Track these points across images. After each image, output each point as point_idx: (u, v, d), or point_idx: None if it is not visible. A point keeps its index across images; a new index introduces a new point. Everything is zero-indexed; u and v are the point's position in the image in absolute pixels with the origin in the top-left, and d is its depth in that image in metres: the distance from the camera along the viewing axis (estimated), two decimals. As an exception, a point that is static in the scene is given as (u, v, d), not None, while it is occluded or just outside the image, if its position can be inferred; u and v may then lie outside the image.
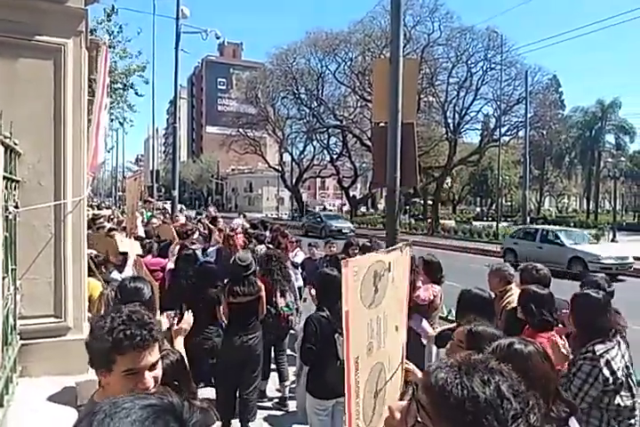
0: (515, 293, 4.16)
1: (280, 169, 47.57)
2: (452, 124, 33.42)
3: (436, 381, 0.89)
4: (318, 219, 31.11)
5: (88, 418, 0.81)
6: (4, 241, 2.23)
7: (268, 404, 5.01)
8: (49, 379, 2.64)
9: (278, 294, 5.00)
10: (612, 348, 2.71)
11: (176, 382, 2.01)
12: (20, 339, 2.59)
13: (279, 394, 5.08)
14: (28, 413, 2.28)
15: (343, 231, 27.56)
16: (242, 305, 4.35)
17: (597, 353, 2.66)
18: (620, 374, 2.66)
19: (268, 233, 8.18)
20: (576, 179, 55.48)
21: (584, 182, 51.73)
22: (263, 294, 4.54)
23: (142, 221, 9.53)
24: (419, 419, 0.90)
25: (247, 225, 9.59)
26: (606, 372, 2.62)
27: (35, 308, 2.72)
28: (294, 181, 46.38)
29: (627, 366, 2.75)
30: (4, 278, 2.16)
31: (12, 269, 2.43)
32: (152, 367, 1.53)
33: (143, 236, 7.52)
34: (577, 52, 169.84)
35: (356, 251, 6.53)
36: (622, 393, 2.67)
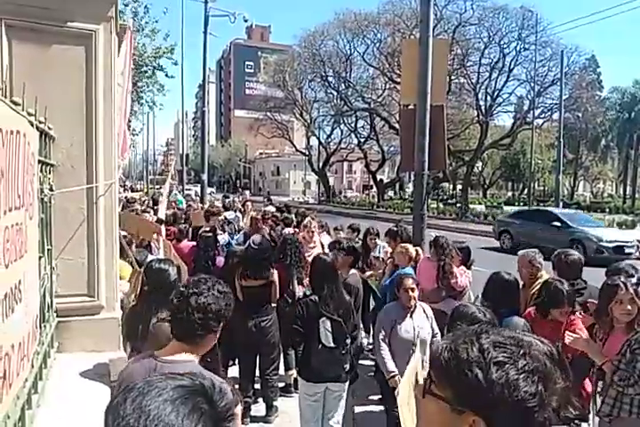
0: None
1: (307, 153, 47.48)
2: (483, 107, 32.62)
3: (432, 350, 1.04)
4: (555, 222, 14.75)
5: (122, 395, 0.85)
6: (40, 223, 2.31)
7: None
8: (84, 355, 2.76)
9: (295, 282, 4.84)
10: None
11: (208, 360, 2.09)
12: (57, 316, 2.70)
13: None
14: (64, 386, 2.39)
15: (626, 250, 13.52)
16: (253, 289, 4.35)
17: None
18: None
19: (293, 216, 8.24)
20: (612, 163, 53.71)
21: (621, 166, 50.04)
22: (276, 278, 4.49)
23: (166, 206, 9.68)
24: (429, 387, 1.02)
25: (273, 209, 9.69)
26: None
27: (69, 287, 2.83)
28: (321, 164, 46.28)
29: None
30: (40, 258, 2.25)
31: (47, 250, 2.52)
32: None
33: (163, 219, 7.56)
34: (619, 29, 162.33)
35: (375, 240, 6.43)
36: None
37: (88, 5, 3.17)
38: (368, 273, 5.90)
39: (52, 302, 2.63)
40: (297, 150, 50.23)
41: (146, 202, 13.08)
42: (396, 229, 6.24)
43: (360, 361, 6.00)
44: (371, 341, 6.16)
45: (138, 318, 2.80)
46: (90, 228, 2.94)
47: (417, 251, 5.18)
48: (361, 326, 6.96)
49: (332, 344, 3.45)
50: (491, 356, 0.93)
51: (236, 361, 4.93)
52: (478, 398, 0.92)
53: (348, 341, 3.60)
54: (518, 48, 31.17)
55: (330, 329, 3.45)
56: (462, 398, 0.94)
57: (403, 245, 5.34)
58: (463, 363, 0.94)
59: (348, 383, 3.65)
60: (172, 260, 3.98)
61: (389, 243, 6.10)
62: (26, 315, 1.91)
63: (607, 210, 34.31)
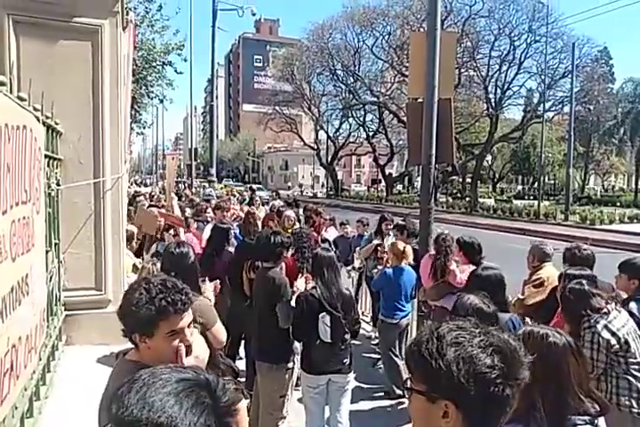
0: (545, 272, 4.19)
1: (315, 147, 47.38)
2: (493, 100, 32.28)
3: (405, 349, 1.17)
4: None
5: (128, 385, 0.86)
6: (47, 217, 2.33)
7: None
8: (91, 348, 2.79)
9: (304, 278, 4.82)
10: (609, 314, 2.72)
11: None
12: (65, 310, 2.74)
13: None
14: (73, 379, 2.42)
15: None
16: None
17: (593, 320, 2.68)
18: (621, 334, 2.66)
19: (301, 211, 8.21)
20: (624, 156, 53.01)
21: (634, 160, 49.37)
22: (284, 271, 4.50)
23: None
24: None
25: (280, 203, 9.68)
26: (606, 335, 2.63)
27: (77, 281, 2.86)
28: (329, 158, 46.16)
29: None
30: (47, 252, 2.27)
31: (55, 244, 2.55)
32: (188, 325, 1.66)
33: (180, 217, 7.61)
34: (633, 20, 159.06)
35: (390, 227, 6.50)
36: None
37: (93, 1, 3.17)
38: (376, 269, 5.93)
39: (59, 295, 2.66)
40: (305, 144, 50.14)
41: (155, 197, 13.13)
42: (403, 222, 6.24)
43: (365, 354, 6.04)
44: (377, 334, 6.17)
45: None
46: (97, 222, 2.97)
47: (404, 249, 5.10)
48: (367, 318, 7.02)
49: (330, 340, 3.44)
50: (446, 340, 1.02)
51: (243, 355, 4.96)
52: (444, 382, 0.98)
53: (348, 336, 3.56)
54: (529, 40, 30.77)
55: (329, 324, 3.44)
56: (433, 386, 1.00)
57: (394, 243, 5.29)
58: (424, 352, 1.02)
59: (352, 375, 3.66)
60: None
61: (397, 236, 6.12)
62: (33, 308, 1.93)
63: (618, 204, 33.96)
